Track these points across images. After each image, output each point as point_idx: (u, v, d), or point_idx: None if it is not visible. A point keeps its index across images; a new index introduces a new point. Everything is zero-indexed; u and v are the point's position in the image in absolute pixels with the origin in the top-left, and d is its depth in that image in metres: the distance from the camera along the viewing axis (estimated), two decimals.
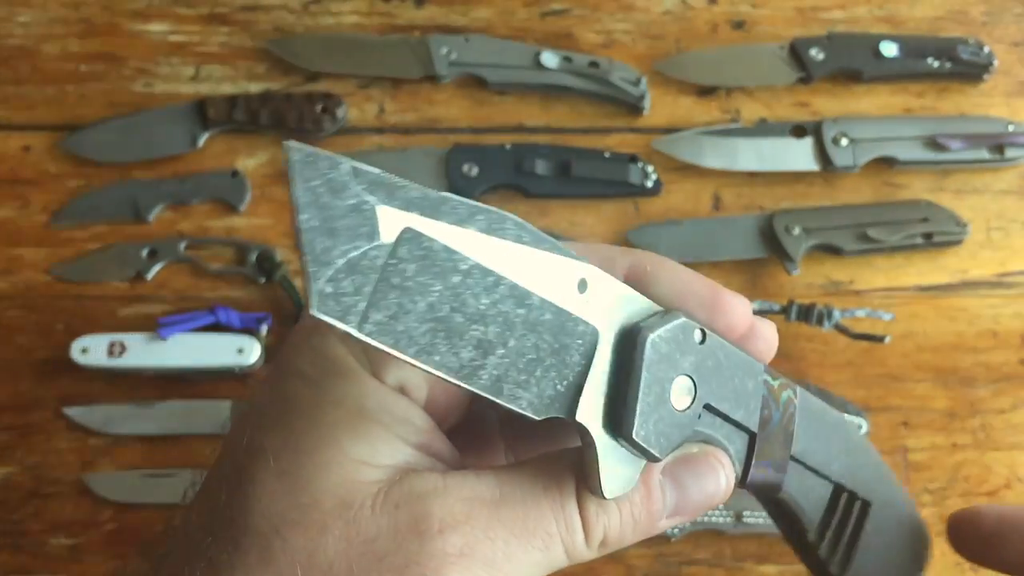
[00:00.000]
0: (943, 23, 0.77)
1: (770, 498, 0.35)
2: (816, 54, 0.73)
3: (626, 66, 0.73)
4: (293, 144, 0.22)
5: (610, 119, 0.73)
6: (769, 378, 0.32)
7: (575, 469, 0.29)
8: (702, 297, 0.31)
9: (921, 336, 0.68)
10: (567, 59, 0.72)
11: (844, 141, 0.70)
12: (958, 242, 0.69)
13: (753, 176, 0.71)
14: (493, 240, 0.25)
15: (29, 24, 0.73)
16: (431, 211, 0.24)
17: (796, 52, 0.74)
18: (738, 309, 0.31)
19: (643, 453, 0.28)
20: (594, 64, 0.72)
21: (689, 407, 0.29)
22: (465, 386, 0.25)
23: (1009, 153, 0.71)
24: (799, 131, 0.71)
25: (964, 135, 0.71)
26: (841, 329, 0.65)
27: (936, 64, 0.74)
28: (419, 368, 0.24)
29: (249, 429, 0.28)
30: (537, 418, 0.26)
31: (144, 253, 0.67)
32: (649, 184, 0.69)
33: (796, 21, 0.77)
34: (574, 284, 0.27)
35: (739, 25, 0.76)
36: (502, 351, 0.25)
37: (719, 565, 0.61)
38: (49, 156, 0.70)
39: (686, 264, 0.32)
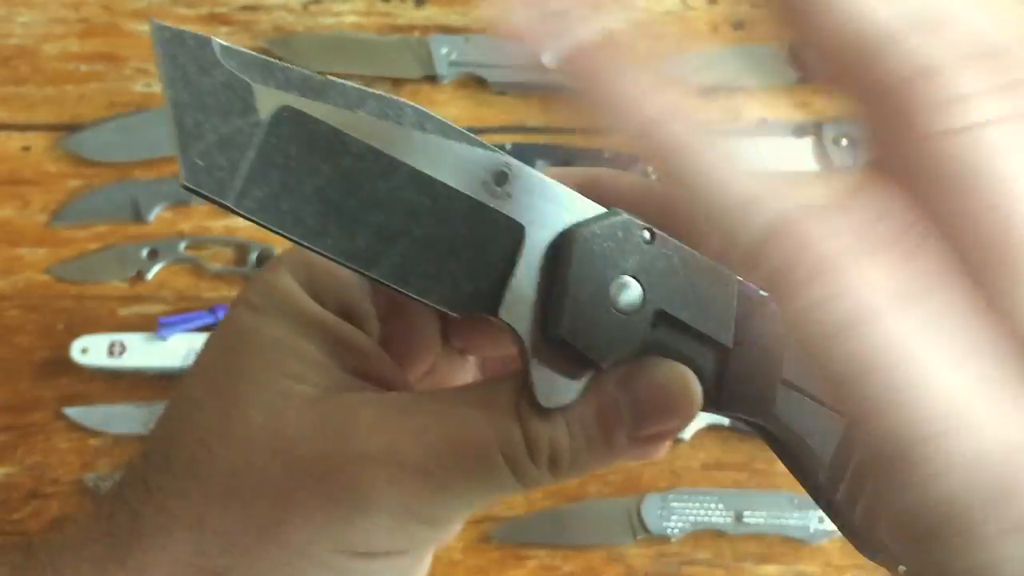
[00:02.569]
0: None
1: (759, 428, 0.31)
2: None
3: None
4: (160, 23, 0.23)
5: None
6: (747, 290, 0.29)
7: (520, 383, 0.27)
8: (661, 207, 0.29)
9: None
10: None
11: (844, 141, 0.70)
12: None
13: None
14: (388, 125, 0.25)
15: (29, 24, 0.73)
16: (314, 93, 0.24)
17: (796, 52, 0.74)
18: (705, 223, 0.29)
19: (580, 358, 0.26)
20: None
21: (637, 311, 0.26)
22: (363, 272, 0.24)
23: None
24: (799, 131, 0.71)
25: None
26: None
27: None
28: (310, 250, 0.24)
29: (195, 358, 0.29)
30: (456, 315, 0.25)
31: (144, 253, 0.67)
32: None
33: None
34: (490, 176, 0.26)
35: (739, 25, 0.76)
36: (406, 240, 0.25)
37: (719, 565, 0.61)
38: (49, 156, 0.70)
39: None
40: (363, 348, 0.29)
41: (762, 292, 0.28)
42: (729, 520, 0.61)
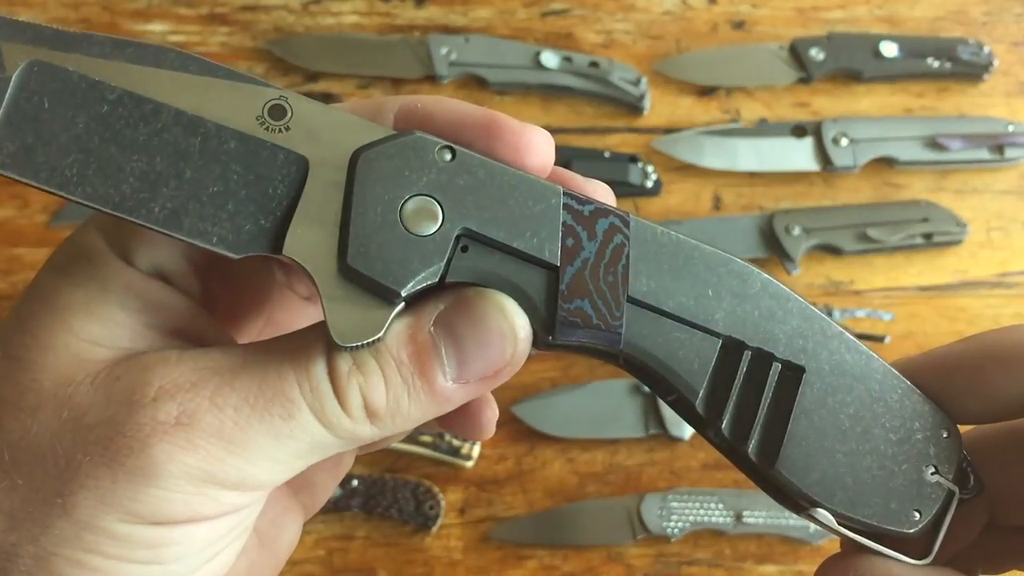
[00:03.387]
0: (943, 23, 0.77)
1: (614, 355, 0.27)
2: (816, 54, 0.73)
3: (626, 66, 0.73)
4: None
5: (610, 119, 0.73)
6: (575, 203, 0.26)
7: (330, 339, 0.25)
8: (478, 126, 0.26)
9: (921, 336, 0.68)
10: (567, 59, 0.72)
11: (844, 141, 0.70)
12: (958, 242, 0.69)
13: (753, 176, 0.71)
14: (148, 70, 0.24)
15: None
16: (65, 46, 0.24)
17: (796, 52, 0.74)
18: (524, 138, 0.27)
19: (375, 287, 0.24)
20: (594, 64, 0.72)
21: (435, 232, 0.24)
22: (130, 219, 0.24)
23: (1009, 153, 0.71)
24: (799, 131, 0.71)
25: (964, 135, 0.71)
26: None
27: (936, 64, 0.74)
28: (71, 200, 0.23)
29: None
30: (235, 256, 0.24)
31: None
32: (649, 184, 0.69)
33: (796, 21, 0.77)
34: (264, 111, 0.25)
35: (739, 25, 0.76)
36: (175, 183, 0.24)
37: (719, 565, 0.61)
38: None
39: None
40: (174, 306, 0.27)
41: (594, 200, 0.27)
42: (729, 520, 0.61)
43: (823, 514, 0.27)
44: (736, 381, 0.27)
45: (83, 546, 0.23)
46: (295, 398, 0.24)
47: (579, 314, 0.26)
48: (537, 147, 0.27)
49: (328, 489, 0.34)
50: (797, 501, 0.27)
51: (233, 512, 0.25)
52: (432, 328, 0.25)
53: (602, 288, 0.26)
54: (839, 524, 0.27)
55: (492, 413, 0.32)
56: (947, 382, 0.28)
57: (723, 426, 0.27)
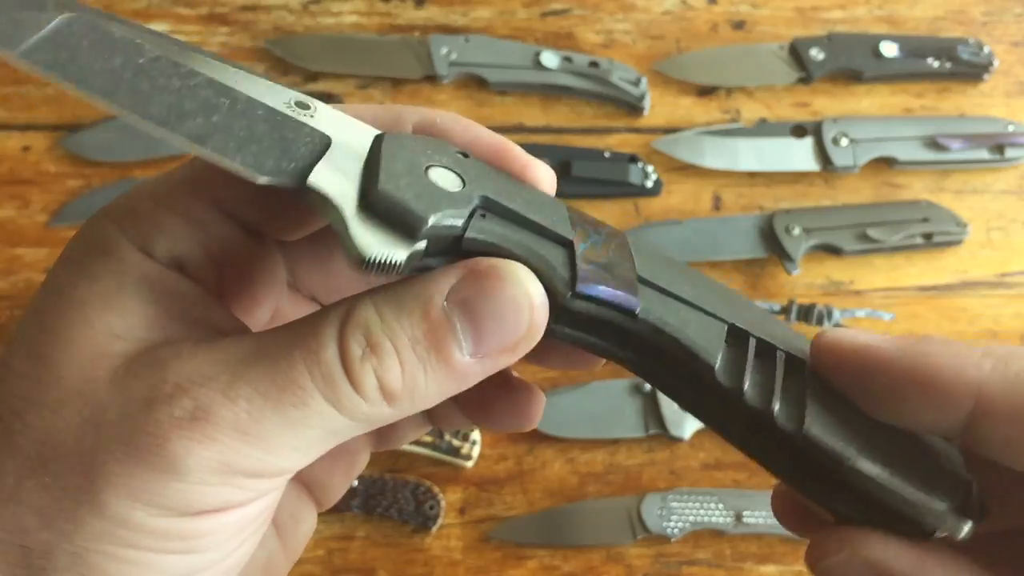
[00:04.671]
0: (943, 23, 0.77)
1: (626, 331, 0.27)
2: (816, 54, 0.73)
3: (626, 66, 0.73)
4: None
5: (610, 119, 0.73)
6: (578, 214, 0.28)
7: (340, 313, 0.25)
8: (490, 151, 0.28)
9: None
10: (567, 59, 0.72)
11: (844, 141, 0.70)
12: (958, 242, 0.69)
13: (753, 176, 0.71)
14: (187, 51, 0.25)
15: None
16: (112, 19, 0.25)
17: (796, 52, 0.74)
18: (531, 171, 0.28)
19: (401, 216, 0.24)
20: (594, 64, 0.72)
21: (457, 191, 0.25)
22: (160, 128, 0.23)
23: (1009, 153, 0.71)
24: (799, 131, 0.71)
25: (964, 135, 0.71)
26: None
27: (936, 64, 0.74)
28: (96, 101, 0.23)
29: (19, 324, 0.27)
30: (258, 178, 0.24)
31: None
32: (649, 184, 0.69)
33: (796, 21, 0.77)
34: (290, 101, 0.25)
35: (739, 25, 0.76)
36: (203, 120, 0.24)
37: (719, 565, 0.61)
38: (49, 156, 0.70)
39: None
40: (192, 296, 0.27)
41: (600, 225, 0.28)
42: (729, 520, 0.61)
43: (865, 465, 0.25)
44: (748, 357, 0.27)
45: (118, 542, 0.24)
46: (307, 386, 0.24)
47: (598, 274, 0.26)
48: (542, 183, 0.28)
49: (341, 487, 0.35)
50: (832, 465, 0.26)
51: (260, 497, 0.25)
52: (446, 304, 0.24)
53: (614, 258, 0.27)
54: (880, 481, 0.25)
55: (540, 402, 0.32)
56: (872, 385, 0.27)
57: (745, 390, 0.26)
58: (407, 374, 0.24)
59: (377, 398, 0.24)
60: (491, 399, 0.32)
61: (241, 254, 0.29)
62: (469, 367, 0.25)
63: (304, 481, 0.33)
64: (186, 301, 0.27)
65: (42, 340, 0.25)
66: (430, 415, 0.34)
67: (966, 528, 0.25)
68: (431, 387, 0.25)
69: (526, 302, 0.25)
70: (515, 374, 0.33)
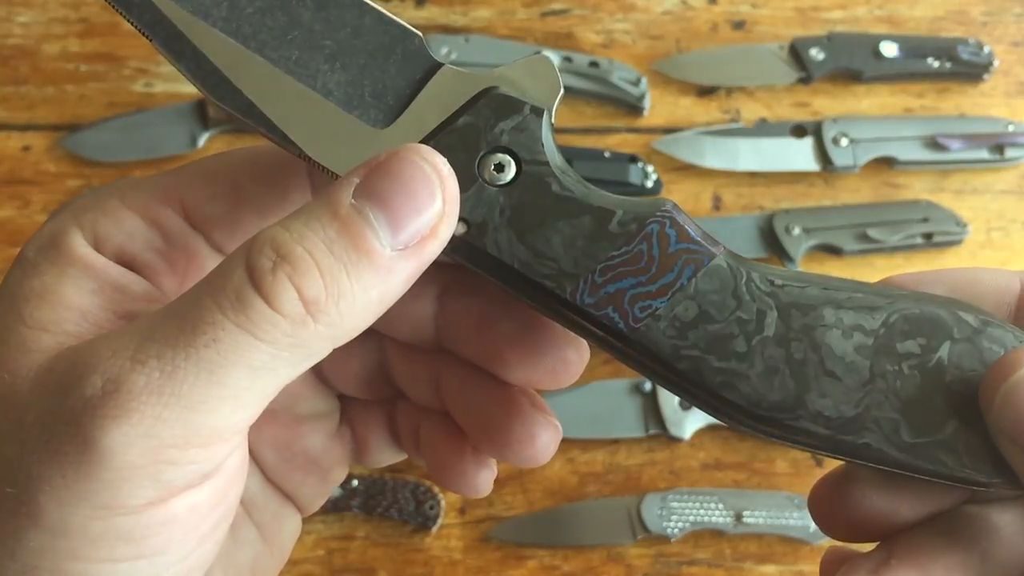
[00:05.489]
0: (943, 23, 0.77)
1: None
2: (816, 54, 0.73)
3: (626, 66, 0.73)
4: None
5: (610, 119, 0.73)
6: None
7: (246, 243, 0.23)
8: None
9: None
10: (567, 59, 0.72)
11: (844, 141, 0.70)
12: (958, 242, 0.69)
13: (753, 176, 0.71)
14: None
15: (29, 24, 0.73)
16: None
17: (796, 52, 0.74)
18: None
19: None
20: (594, 64, 0.72)
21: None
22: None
23: (1009, 153, 0.71)
24: (799, 131, 0.71)
25: (964, 135, 0.71)
26: None
27: (936, 64, 0.74)
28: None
29: None
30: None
31: None
32: (649, 184, 0.69)
33: (796, 21, 0.77)
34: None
35: (739, 25, 0.76)
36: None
37: (719, 565, 0.61)
38: (49, 156, 0.70)
39: None
40: (137, 292, 0.26)
41: None
42: (729, 520, 0.61)
43: None
44: None
45: (62, 555, 0.22)
46: (217, 319, 0.21)
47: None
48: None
49: (317, 497, 0.34)
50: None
51: (206, 479, 0.23)
52: (354, 200, 0.23)
53: None
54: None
55: (489, 472, 0.31)
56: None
57: None
58: (327, 278, 0.22)
59: (298, 311, 0.22)
60: (496, 423, 0.30)
61: (204, 267, 0.28)
62: (394, 260, 0.23)
63: (279, 488, 0.33)
64: (130, 296, 0.26)
65: None
66: (423, 451, 0.33)
67: None
68: (358, 289, 0.23)
69: (433, 173, 0.24)
70: (530, 401, 0.31)
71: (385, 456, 0.35)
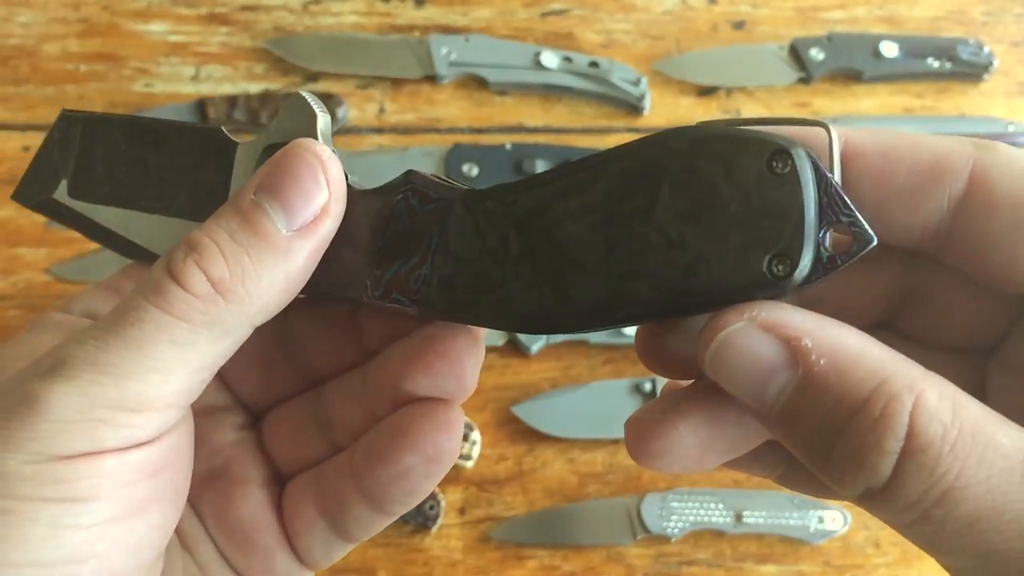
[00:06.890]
0: (943, 23, 0.77)
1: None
2: (816, 54, 0.73)
3: (626, 66, 0.73)
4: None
5: (610, 119, 0.73)
6: None
7: (168, 252, 0.27)
8: None
9: None
10: (567, 59, 0.72)
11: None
12: None
13: None
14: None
15: (29, 24, 0.73)
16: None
17: (796, 52, 0.74)
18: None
19: None
20: (594, 64, 0.72)
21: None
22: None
23: None
24: None
25: (964, 135, 0.71)
26: None
27: (936, 64, 0.74)
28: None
29: None
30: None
31: None
32: None
33: (796, 21, 0.77)
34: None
35: (739, 25, 0.76)
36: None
37: (719, 565, 0.61)
38: None
39: None
40: None
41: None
42: (729, 520, 0.61)
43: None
44: None
45: (2, 498, 0.24)
46: (141, 304, 0.26)
47: None
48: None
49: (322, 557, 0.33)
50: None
51: (137, 445, 0.26)
52: (254, 196, 0.27)
53: None
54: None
55: (476, 358, 0.31)
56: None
57: None
58: (231, 261, 0.26)
59: (207, 291, 0.26)
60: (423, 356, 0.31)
61: None
62: (291, 240, 0.27)
63: (232, 567, 0.33)
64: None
65: None
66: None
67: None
68: (261, 269, 0.27)
69: (316, 161, 0.28)
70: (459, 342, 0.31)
71: (319, 544, 0.33)
